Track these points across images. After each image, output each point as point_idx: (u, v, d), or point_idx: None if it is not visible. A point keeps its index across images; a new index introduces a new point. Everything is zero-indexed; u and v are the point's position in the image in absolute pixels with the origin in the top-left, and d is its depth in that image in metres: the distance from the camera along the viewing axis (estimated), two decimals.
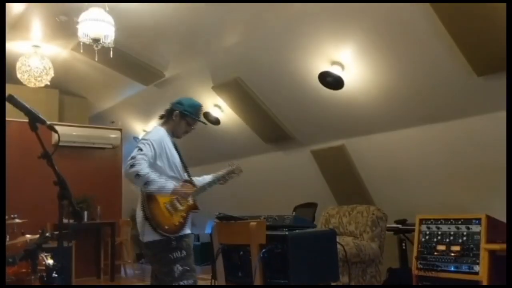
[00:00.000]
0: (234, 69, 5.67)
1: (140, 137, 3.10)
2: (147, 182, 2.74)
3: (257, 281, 2.35)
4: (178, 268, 2.74)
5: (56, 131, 2.09)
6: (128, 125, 8.13)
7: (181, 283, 2.73)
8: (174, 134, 3.11)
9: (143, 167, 2.74)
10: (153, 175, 2.77)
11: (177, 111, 3.06)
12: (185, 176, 3.10)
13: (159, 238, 2.78)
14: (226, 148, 7.17)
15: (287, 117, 5.95)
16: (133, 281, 6.87)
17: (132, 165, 2.73)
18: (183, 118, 3.07)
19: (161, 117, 3.16)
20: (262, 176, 7.07)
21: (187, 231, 2.90)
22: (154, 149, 2.87)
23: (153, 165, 2.85)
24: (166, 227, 2.78)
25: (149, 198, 2.82)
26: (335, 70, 4.80)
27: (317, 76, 4.89)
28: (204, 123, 3.30)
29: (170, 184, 2.84)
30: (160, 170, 2.89)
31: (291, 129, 6.09)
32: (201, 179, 3.23)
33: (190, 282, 2.76)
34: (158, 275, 2.87)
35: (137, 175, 2.72)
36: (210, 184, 3.16)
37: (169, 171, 2.96)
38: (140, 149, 2.81)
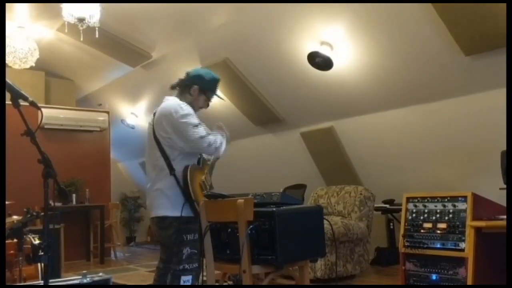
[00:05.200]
0: (223, 50, 5.62)
1: (157, 110, 2.82)
2: (221, 144, 2.80)
3: (245, 257, 2.37)
4: (187, 250, 2.69)
5: (39, 108, 2.05)
6: (115, 108, 8.06)
7: (186, 266, 2.68)
8: None
9: (217, 138, 2.78)
10: (219, 137, 2.81)
11: (196, 86, 2.84)
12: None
13: (194, 216, 2.69)
14: None
15: (277, 99, 5.93)
16: (123, 264, 6.88)
17: (216, 148, 2.76)
18: (202, 93, 2.85)
19: (174, 87, 2.90)
20: (251, 159, 7.06)
21: None
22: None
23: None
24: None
25: (192, 175, 2.70)
26: (324, 51, 4.78)
27: (306, 56, 4.87)
28: (222, 98, 3.11)
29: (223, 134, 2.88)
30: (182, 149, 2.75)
31: (281, 111, 6.08)
32: None
33: (195, 265, 2.71)
34: (167, 253, 2.78)
35: (221, 145, 2.79)
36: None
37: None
38: (196, 126, 2.70)
